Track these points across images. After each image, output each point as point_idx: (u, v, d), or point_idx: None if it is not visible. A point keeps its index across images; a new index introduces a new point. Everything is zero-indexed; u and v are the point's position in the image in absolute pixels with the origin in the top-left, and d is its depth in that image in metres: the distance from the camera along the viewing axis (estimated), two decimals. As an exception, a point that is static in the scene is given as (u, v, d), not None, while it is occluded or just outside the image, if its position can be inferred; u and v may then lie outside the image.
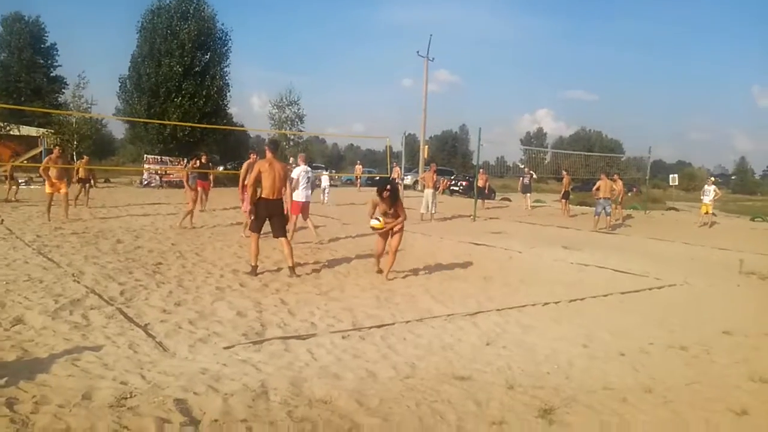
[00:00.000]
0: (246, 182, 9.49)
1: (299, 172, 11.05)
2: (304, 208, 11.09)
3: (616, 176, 19.62)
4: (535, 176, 24.76)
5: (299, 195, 10.89)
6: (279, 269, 8.43)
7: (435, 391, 4.11)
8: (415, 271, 8.90)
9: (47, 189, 13.25)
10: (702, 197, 19.97)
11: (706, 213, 19.31)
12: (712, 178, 21.78)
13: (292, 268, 8.14)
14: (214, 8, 32.33)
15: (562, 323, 6.20)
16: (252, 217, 8.24)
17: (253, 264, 8.17)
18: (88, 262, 8.39)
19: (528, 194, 24.36)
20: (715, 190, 19.60)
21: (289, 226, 10.49)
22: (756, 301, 7.87)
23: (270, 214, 8.15)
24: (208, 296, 6.71)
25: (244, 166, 11.97)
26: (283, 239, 8.24)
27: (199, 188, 16.46)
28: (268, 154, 8.30)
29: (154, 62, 29.80)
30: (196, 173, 16.70)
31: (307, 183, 11.06)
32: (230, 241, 11.02)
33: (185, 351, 4.76)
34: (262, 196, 8.17)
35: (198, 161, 17.24)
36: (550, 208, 25.39)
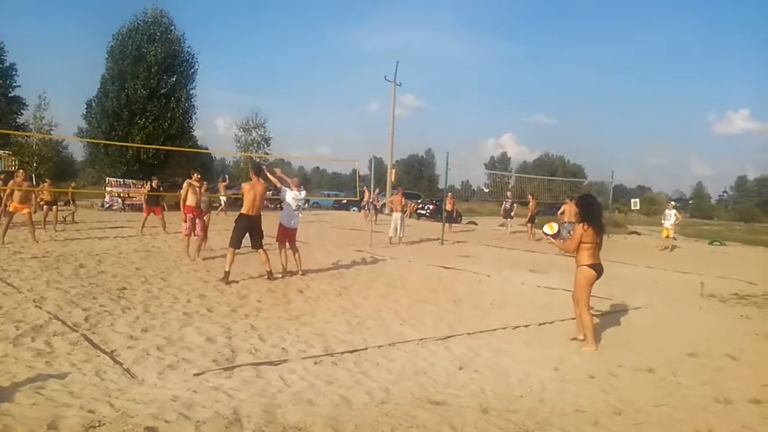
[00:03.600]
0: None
1: (288, 198, 10.27)
2: (290, 235, 10.33)
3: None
4: (511, 201, 24.80)
5: (285, 220, 10.25)
6: (245, 296, 8.35)
7: (410, 416, 4.10)
8: (385, 295, 8.89)
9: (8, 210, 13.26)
10: (663, 221, 20.43)
11: (667, 237, 19.76)
12: (673, 203, 22.34)
13: (270, 273, 9.59)
14: (182, 30, 32.21)
15: (532, 346, 6.26)
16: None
17: (227, 270, 9.24)
18: (50, 287, 8.16)
19: (510, 219, 24.37)
20: (675, 215, 20.09)
21: (282, 259, 10.33)
22: (717, 323, 8.06)
23: (250, 229, 9.51)
24: (175, 322, 6.58)
25: (185, 185, 11.84)
26: (261, 250, 9.67)
27: (147, 214, 16.52)
28: (253, 177, 9.77)
29: (121, 84, 29.43)
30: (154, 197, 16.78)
31: (295, 209, 10.29)
32: (196, 266, 10.86)
33: (154, 378, 4.65)
34: (243, 212, 9.52)
35: (150, 185, 17.46)
36: (517, 233, 25.64)
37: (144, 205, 17.71)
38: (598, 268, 6.30)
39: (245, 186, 9.64)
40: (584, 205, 6.47)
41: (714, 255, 19.67)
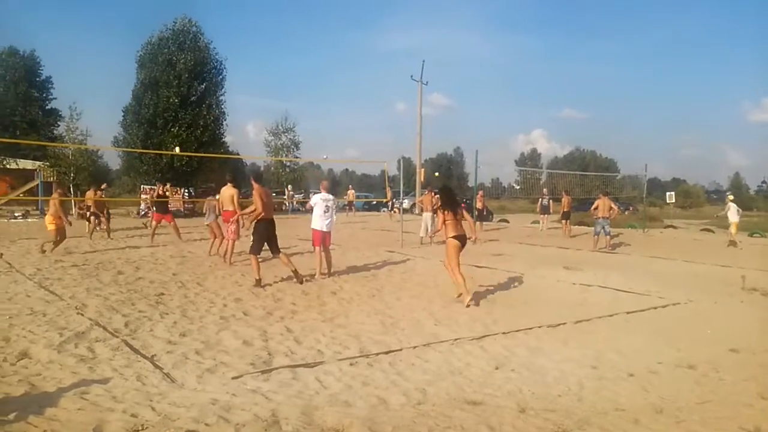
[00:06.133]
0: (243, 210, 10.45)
1: (316, 200, 10.46)
2: (325, 238, 10.44)
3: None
4: (548, 198, 24.54)
5: (317, 223, 10.36)
6: (280, 299, 8.45)
7: (447, 416, 4.09)
8: (417, 296, 8.88)
9: (52, 225, 12.89)
10: (730, 216, 19.48)
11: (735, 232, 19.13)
12: (731, 196, 21.54)
13: (296, 272, 9.59)
14: (209, 38, 32.72)
15: (569, 345, 6.19)
16: (253, 239, 9.64)
17: (257, 277, 9.32)
18: (91, 294, 8.37)
19: (547, 215, 24.09)
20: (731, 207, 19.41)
21: (317, 263, 10.45)
22: (760, 318, 7.87)
23: (269, 234, 9.50)
24: (212, 326, 6.69)
25: (225, 191, 11.88)
26: (281, 254, 9.68)
27: (157, 221, 16.56)
28: (256, 184, 9.61)
29: (153, 93, 30.04)
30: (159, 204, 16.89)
31: (325, 211, 10.38)
32: (232, 270, 11.00)
33: (194, 382, 4.74)
34: (263, 217, 9.40)
35: (156, 192, 17.59)
36: (551, 229, 25.39)
37: (153, 213, 17.52)
38: (460, 238, 8.37)
39: (261, 191, 9.45)
40: (441, 195, 8.97)
41: (754, 247, 19.15)
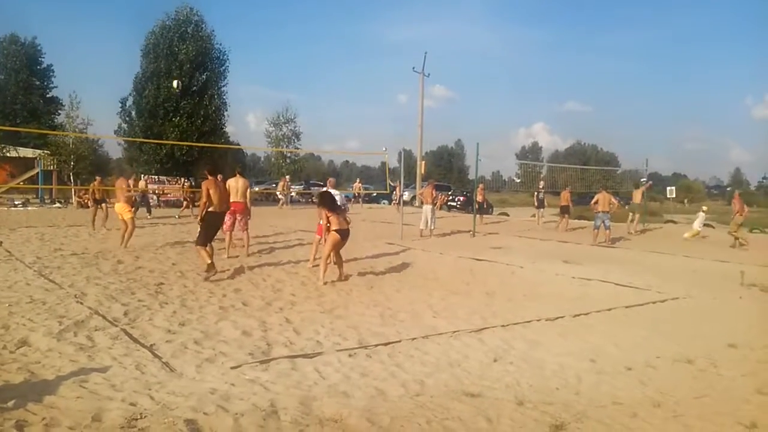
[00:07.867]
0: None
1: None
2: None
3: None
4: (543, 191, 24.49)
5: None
6: (279, 289, 8.46)
7: (445, 408, 4.10)
8: (417, 288, 8.89)
9: (129, 214, 12.57)
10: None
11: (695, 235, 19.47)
12: (705, 207, 22.13)
13: (210, 266, 9.08)
14: (212, 28, 32.55)
15: (568, 338, 6.20)
16: (203, 229, 9.39)
17: (208, 261, 9.03)
18: (90, 283, 8.37)
19: (542, 209, 24.06)
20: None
21: (311, 250, 10.77)
22: (759, 314, 7.87)
23: (218, 225, 9.71)
24: (212, 316, 6.69)
25: (232, 183, 11.78)
26: (207, 248, 9.32)
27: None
28: (210, 177, 9.52)
29: (154, 83, 29.94)
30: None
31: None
32: (231, 261, 10.99)
33: (192, 371, 4.74)
34: (212, 210, 9.38)
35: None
36: (549, 222, 25.38)
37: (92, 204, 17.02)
38: (343, 233, 9.04)
39: (211, 183, 9.36)
40: (322, 200, 9.41)
41: (754, 243, 19.14)
